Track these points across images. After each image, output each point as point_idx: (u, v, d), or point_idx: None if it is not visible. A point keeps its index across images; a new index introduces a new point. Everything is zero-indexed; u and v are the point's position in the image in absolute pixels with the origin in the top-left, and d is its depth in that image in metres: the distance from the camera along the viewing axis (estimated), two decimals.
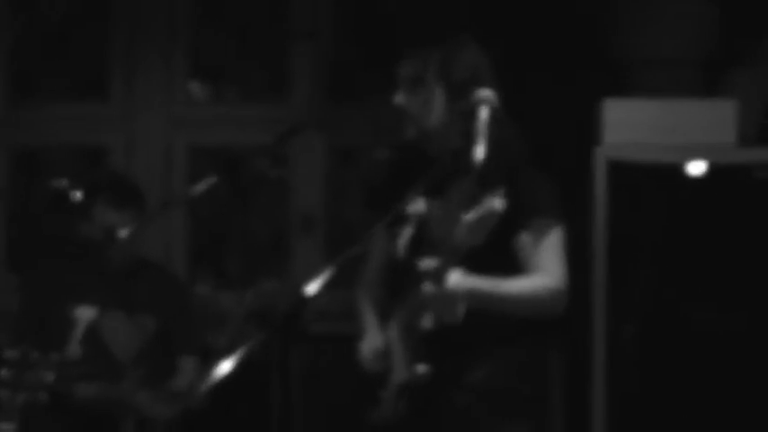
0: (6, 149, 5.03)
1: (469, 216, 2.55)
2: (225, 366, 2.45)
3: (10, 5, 5.03)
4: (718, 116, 4.17)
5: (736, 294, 4.09)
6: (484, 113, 2.67)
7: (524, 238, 2.77)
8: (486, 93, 2.70)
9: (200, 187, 3.99)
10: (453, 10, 4.54)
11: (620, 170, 4.04)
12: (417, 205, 2.85)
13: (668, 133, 4.16)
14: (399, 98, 2.88)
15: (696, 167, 4.19)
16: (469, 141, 2.66)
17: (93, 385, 3.76)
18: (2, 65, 5.00)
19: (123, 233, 3.95)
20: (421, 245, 2.81)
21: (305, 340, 4.05)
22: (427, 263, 2.62)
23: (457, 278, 2.65)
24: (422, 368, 2.75)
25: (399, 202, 2.82)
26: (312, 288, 2.42)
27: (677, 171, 4.19)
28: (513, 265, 2.76)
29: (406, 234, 2.88)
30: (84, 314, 4.04)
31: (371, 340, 2.91)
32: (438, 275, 2.61)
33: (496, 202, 2.54)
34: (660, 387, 4.11)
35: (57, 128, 5.05)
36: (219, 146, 5.15)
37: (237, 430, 4.39)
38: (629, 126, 4.16)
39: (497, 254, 2.71)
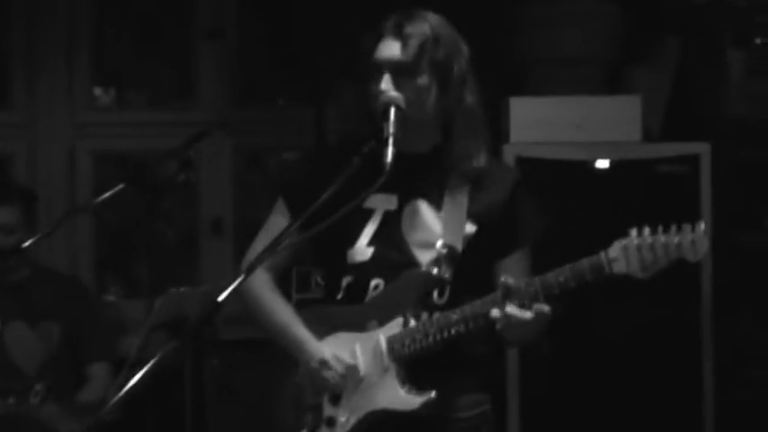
0: None
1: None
2: (136, 375, 2.31)
3: None
4: (622, 113, 4.16)
5: (640, 290, 4.08)
6: (392, 115, 2.53)
7: (510, 264, 2.59)
8: (393, 93, 2.54)
9: (107, 194, 3.88)
10: (357, 11, 4.48)
11: (528, 167, 3.99)
12: (384, 201, 2.58)
13: (574, 130, 4.14)
14: (387, 85, 2.52)
15: (602, 163, 4.18)
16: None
17: None
18: None
19: (17, 241, 3.82)
20: (389, 244, 2.59)
21: (217, 346, 3.94)
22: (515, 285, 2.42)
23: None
24: (428, 399, 2.50)
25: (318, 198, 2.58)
26: (224, 294, 2.27)
27: (585, 167, 4.17)
28: (487, 284, 2.55)
29: (369, 230, 2.61)
30: None
31: (330, 349, 2.59)
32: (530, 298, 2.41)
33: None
34: (569, 388, 4.10)
35: None
36: (125, 151, 5.01)
37: None
38: (534, 123, 4.13)
39: (480, 271, 2.56)
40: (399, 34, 2.54)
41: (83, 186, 4.82)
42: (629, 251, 2.35)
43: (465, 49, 2.62)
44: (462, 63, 2.60)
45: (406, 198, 2.60)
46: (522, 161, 4.03)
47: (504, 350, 3.94)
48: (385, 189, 2.46)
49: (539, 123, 4.12)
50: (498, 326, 2.43)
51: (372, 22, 2.67)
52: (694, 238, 2.31)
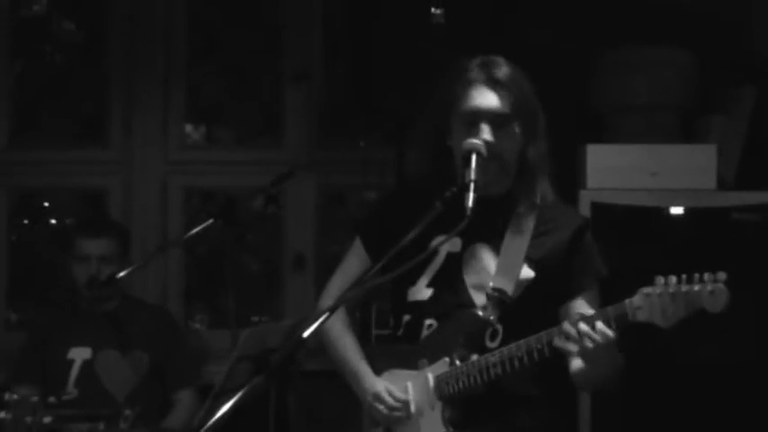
0: (7, 190, 4.94)
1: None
2: (223, 405, 2.35)
3: (11, 48, 4.96)
4: (697, 160, 4.13)
5: (716, 328, 4.04)
6: (474, 162, 2.54)
7: (574, 310, 2.55)
8: (477, 141, 2.56)
9: (198, 228, 3.96)
10: (441, 54, 4.51)
11: (603, 212, 3.98)
12: (449, 243, 2.58)
13: (649, 177, 4.12)
14: (486, 135, 2.54)
15: (676, 210, 4.15)
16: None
17: (90, 426, 3.67)
18: (3, 107, 4.93)
19: (112, 272, 3.90)
20: (448, 286, 2.62)
21: (299, 377, 3.97)
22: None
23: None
24: None
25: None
26: (309, 331, 2.31)
27: (659, 213, 4.14)
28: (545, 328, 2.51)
29: (431, 272, 2.64)
30: (80, 354, 3.98)
31: (384, 383, 2.64)
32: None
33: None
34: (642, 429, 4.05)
35: (57, 171, 4.96)
36: (214, 187, 5.09)
37: None
38: (611, 170, 4.12)
39: (537, 315, 2.52)
40: (493, 84, 2.57)
41: (174, 220, 4.89)
42: (652, 299, 2.32)
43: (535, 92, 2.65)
44: (537, 108, 2.62)
45: (470, 241, 2.61)
46: (597, 207, 4.01)
47: (572, 393, 3.91)
48: (455, 232, 2.45)
49: (615, 170, 4.10)
50: (567, 348, 2.41)
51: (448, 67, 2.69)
52: (714, 289, 2.26)
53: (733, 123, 4.38)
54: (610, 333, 2.36)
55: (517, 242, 2.60)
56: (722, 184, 4.16)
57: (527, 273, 2.58)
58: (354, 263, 2.77)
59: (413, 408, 2.60)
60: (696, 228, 4.13)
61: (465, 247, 2.63)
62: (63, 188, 5.19)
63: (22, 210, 5.15)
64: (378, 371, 2.69)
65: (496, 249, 2.61)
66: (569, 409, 3.97)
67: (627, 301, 2.36)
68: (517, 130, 2.57)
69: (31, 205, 5.29)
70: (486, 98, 2.56)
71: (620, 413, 4.05)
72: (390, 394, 2.61)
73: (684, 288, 2.29)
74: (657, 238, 4.12)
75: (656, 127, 4.33)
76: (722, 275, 2.27)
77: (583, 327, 2.37)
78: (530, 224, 2.61)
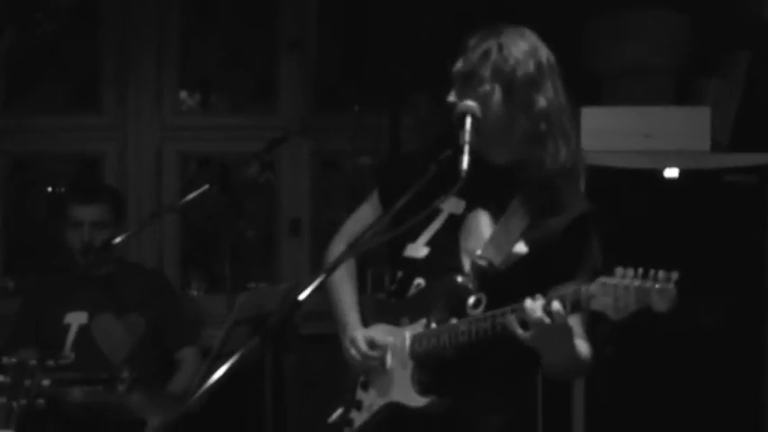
0: (1, 157, 4.92)
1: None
2: (220, 369, 2.34)
3: (2, 17, 4.93)
4: (692, 123, 4.11)
5: (709, 294, 4.03)
6: (468, 124, 2.52)
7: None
8: (469, 103, 2.52)
9: (193, 195, 3.94)
10: (435, 22, 4.49)
11: (597, 175, 3.97)
12: (453, 205, 2.56)
13: (643, 139, 4.11)
14: (452, 97, 2.53)
15: (670, 172, 4.14)
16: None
17: (87, 389, 3.67)
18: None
19: (106, 237, 3.88)
20: (444, 247, 2.59)
21: (297, 342, 3.97)
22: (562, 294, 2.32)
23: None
24: (436, 402, 2.50)
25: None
26: (305, 293, 2.29)
27: (653, 176, 4.13)
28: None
29: (430, 230, 2.61)
30: (76, 319, 3.97)
31: (366, 332, 2.62)
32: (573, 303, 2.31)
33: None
34: (635, 394, 4.05)
35: (51, 137, 4.94)
36: (209, 153, 5.07)
37: None
38: (605, 133, 4.10)
39: (523, 292, 2.40)
40: (469, 48, 2.54)
41: (169, 186, 4.87)
42: (607, 289, 2.24)
43: (541, 54, 2.58)
44: (530, 68, 2.54)
45: (473, 205, 2.58)
46: (591, 169, 3.99)
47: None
48: (458, 194, 2.45)
49: (609, 132, 4.09)
50: (524, 332, 2.35)
51: (444, 33, 2.67)
52: (662, 288, 2.17)
53: (727, 86, 4.36)
54: (563, 315, 2.31)
55: (518, 215, 2.55)
56: (716, 147, 4.15)
57: (520, 248, 2.53)
58: (368, 211, 2.76)
59: (388, 362, 2.59)
60: (690, 190, 4.12)
61: (467, 211, 2.61)
62: (57, 154, 5.17)
63: (16, 177, 5.12)
64: (367, 324, 2.68)
65: (496, 219, 2.58)
66: (562, 389, 3.97)
67: (583, 287, 2.29)
68: (487, 88, 2.50)
69: (25, 172, 5.26)
70: (459, 61, 2.54)
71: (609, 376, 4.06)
72: (367, 342, 2.59)
73: (637, 282, 2.21)
74: (651, 201, 4.11)
75: (650, 90, 4.32)
76: (675, 275, 2.18)
77: (539, 307, 2.32)
78: (535, 199, 2.56)
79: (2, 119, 4.86)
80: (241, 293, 3.75)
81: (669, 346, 4.05)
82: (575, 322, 2.42)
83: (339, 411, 2.70)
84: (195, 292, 5.06)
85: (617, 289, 2.23)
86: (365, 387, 2.65)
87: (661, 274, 2.19)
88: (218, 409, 3.56)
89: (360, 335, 2.62)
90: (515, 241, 2.54)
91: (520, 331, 2.35)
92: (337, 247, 2.75)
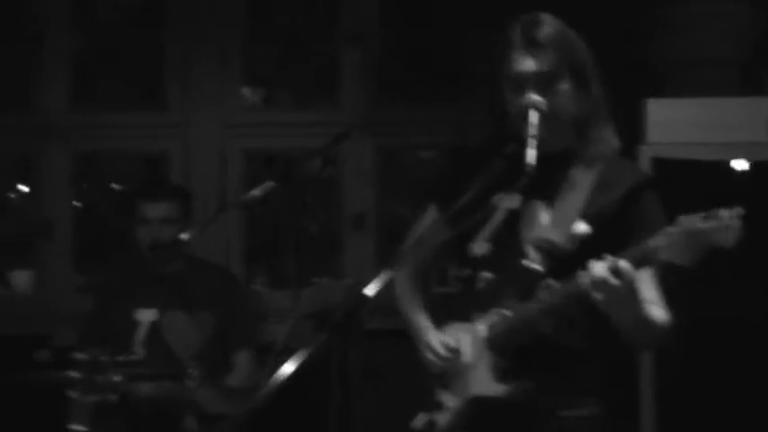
0: (69, 155, 4.98)
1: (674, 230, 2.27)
2: (288, 367, 2.35)
3: (71, 13, 4.99)
4: (758, 114, 4.05)
5: None
6: (534, 117, 2.51)
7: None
8: (536, 97, 2.51)
9: (258, 191, 3.95)
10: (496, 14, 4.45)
11: (664, 167, 3.93)
12: (509, 199, 2.56)
13: (709, 131, 4.05)
14: (529, 97, 2.50)
15: (739, 164, 4.08)
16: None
17: (157, 385, 3.71)
18: (63, 72, 4.96)
19: (175, 235, 3.92)
20: (506, 241, 2.58)
21: (362, 338, 3.97)
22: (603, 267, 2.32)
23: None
24: (517, 387, 2.51)
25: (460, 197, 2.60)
26: (372, 289, 2.30)
27: (721, 167, 4.07)
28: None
29: (490, 228, 2.60)
30: (146, 316, 4.01)
31: (439, 335, 2.64)
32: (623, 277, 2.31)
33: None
34: (706, 381, 4.00)
35: (117, 135, 4.99)
36: (272, 149, 5.09)
37: (297, 428, 4.32)
38: (672, 125, 4.05)
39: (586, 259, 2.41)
40: (531, 45, 2.52)
41: (233, 183, 4.89)
42: (672, 238, 2.26)
43: (585, 45, 2.59)
44: (589, 55, 2.57)
45: (529, 197, 2.57)
46: (658, 162, 3.96)
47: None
48: (515, 189, 2.45)
49: (676, 124, 4.04)
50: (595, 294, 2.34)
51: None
52: (728, 224, 2.22)
53: None
54: (631, 273, 2.31)
55: (574, 196, 2.56)
56: None
57: (582, 227, 2.53)
58: (429, 215, 2.78)
59: (465, 358, 2.59)
60: (759, 181, 4.05)
61: (524, 203, 2.60)
62: (123, 152, 5.22)
63: (83, 174, 5.18)
64: (438, 323, 2.70)
65: (552, 205, 2.57)
66: (628, 366, 3.94)
67: (649, 241, 2.31)
68: (566, 86, 2.52)
69: (92, 169, 5.33)
70: (525, 62, 2.52)
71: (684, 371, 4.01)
72: (441, 345, 2.62)
73: (702, 224, 2.24)
74: (719, 193, 4.05)
75: (716, 80, 4.26)
76: (738, 210, 2.24)
77: (604, 266, 2.32)
78: (587, 178, 2.56)
79: (70, 116, 4.92)
80: (306, 288, 3.76)
81: (740, 335, 4.01)
82: (647, 287, 2.42)
83: (421, 415, 2.68)
84: (259, 288, 5.08)
85: (682, 236, 2.25)
86: (445, 387, 2.65)
87: (723, 212, 2.23)
88: (283, 405, 3.58)
89: (434, 339, 2.64)
90: (574, 220, 2.54)
91: (594, 294, 2.34)
92: (401, 267, 2.75)
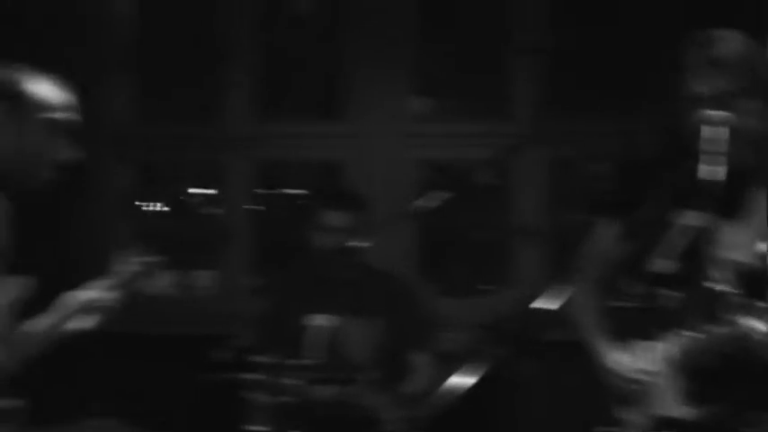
0: (251, 162, 5.15)
1: None
2: (466, 377, 2.37)
3: (257, 28, 5.15)
4: None
5: None
6: (716, 134, 2.45)
7: None
8: (723, 114, 2.47)
9: (430, 200, 4.00)
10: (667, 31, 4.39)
11: None
12: (692, 217, 2.51)
13: None
14: (716, 115, 2.46)
15: None
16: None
17: (333, 388, 3.77)
18: (247, 84, 5.13)
19: (353, 243, 3.99)
20: (690, 259, 2.52)
21: (537, 349, 3.97)
22: None
23: None
24: (706, 410, 2.48)
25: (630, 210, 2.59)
26: (548, 301, 2.30)
27: None
28: None
29: (672, 244, 2.53)
30: (321, 321, 4.08)
31: (622, 355, 2.64)
32: None
33: None
34: None
35: (296, 143, 5.14)
36: (445, 159, 5.13)
37: None
38: None
39: None
40: (713, 63, 2.49)
41: (406, 192, 4.95)
42: None
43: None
44: None
45: (712, 214, 2.52)
46: None
47: None
48: (697, 206, 2.43)
49: None
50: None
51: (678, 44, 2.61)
52: None
53: None
54: None
55: (756, 214, 2.52)
56: None
57: (764, 246, 2.49)
58: (604, 241, 2.77)
59: (651, 379, 2.57)
60: None
61: (706, 221, 2.56)
62: (301, 160, 5.36)
63: (263, 180, 5.34)
64: (616, 341, 2.68)
65: (735, 223, 2.53)
66: None
67: None
68: (748, 103, 2.48)
69: (271, 176, 5.49)
70: (707, 80, 2.48)
71: None
72: (626, 366, 2.60)
73: None
74: None
75: None
76: None
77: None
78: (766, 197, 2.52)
79: (252, 126, 5.08)
80: (475, 298, 3.77)
81: None
82: None
83: (599, 430, 2.68)
84: (431, 296, 5.12)
85: None
86: (626, 404, 2.63)
87: None
88: (456, 414, 3.60)
89: (618, 358, 2.63)
90: (759, 239, 2.50)
91: None
92: (581, 283, 2.76)
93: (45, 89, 2.64)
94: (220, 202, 5.14)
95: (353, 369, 3.91)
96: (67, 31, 5.00)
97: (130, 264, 2.99)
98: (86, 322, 2.86)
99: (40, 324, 2.78)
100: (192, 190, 5.54)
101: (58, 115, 2.64)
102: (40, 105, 2.61)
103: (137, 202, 5.37)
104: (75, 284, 3.03)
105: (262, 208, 5.35)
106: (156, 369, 4.91)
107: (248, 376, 3.53)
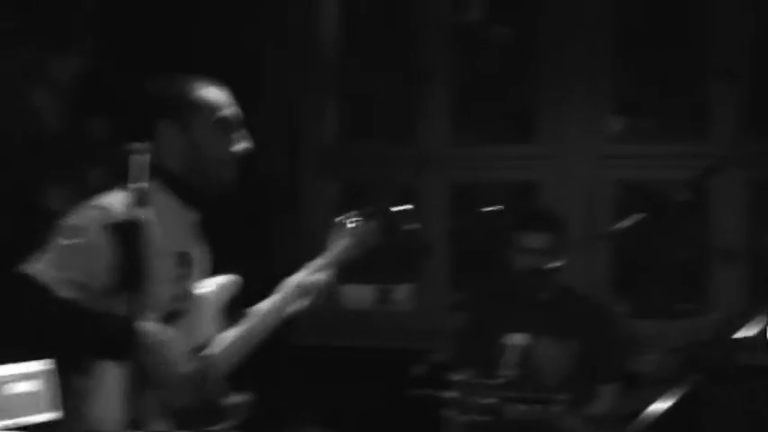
0: (447, 183, 5.25)
1: None
2: (661, 403, 2.37)
3: (451, 52, 5.25)
4: None
5: None
6: None
7: None
8: None
9: (627, 222, 3.98)
10: None
11: None
12: None
13: None
14: None
15: None
16: None
17: (526, 408, 3.78)
18: (445, 107, 5.23)
19: (551, 264, 4.01)
20: None
21: (734, 374, 3.88)
22: None
23: None
24: None
25: None
26: (747, 329, 2.27)
27: None
28: None
29: None
30: (517, 340, 4.11)
31: None
32: None
33: None
34: None
35: (490, 165, 5.21)
36: (640, 180, 5.09)
37: None
38: None
39: None
40: None
41: (602, 212, 4.93)
42: None
43: None
44: None
45: None
46: None
47: None
48: None
49: None
50: None
51: None
52: None
53: None
54: None
55: None
56: None
57: None
58: None
59: None
60: None
61: None
62: (497, 181, 5.42)
63: (460, 200, 5.43)
64: None
65: None
66: None
67: None
68: None
69: (468, 196, 5.57)
70: None
71: None
72: None
73: None
74: None
75: None
76: None
77: None
78: None
79: (449, 149, 5.19)
80: (672, 320, 3.72)
81: None
82: None
83: None
84: (625, 316, 5.08)
85: None
86: None
87: None
88: None
89: None
90: None
91: None
92: None
93: (211, 92, 2.77)
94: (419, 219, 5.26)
95: (547, 389, 3.92)
96: (275, 49, 5.22)
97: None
98: (301, 304, 2.97)
99: (261, 308, 2.91)
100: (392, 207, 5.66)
101: (225, 113, 2.77)
102: (212, 107, 2.74)
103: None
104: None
105: (460, 226, 5.44)
106: (354, 381, 5.03)
107: (444, 394, 3.58)
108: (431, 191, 5.21)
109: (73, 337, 2.51)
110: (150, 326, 2.52)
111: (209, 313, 2.86)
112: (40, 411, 4.24)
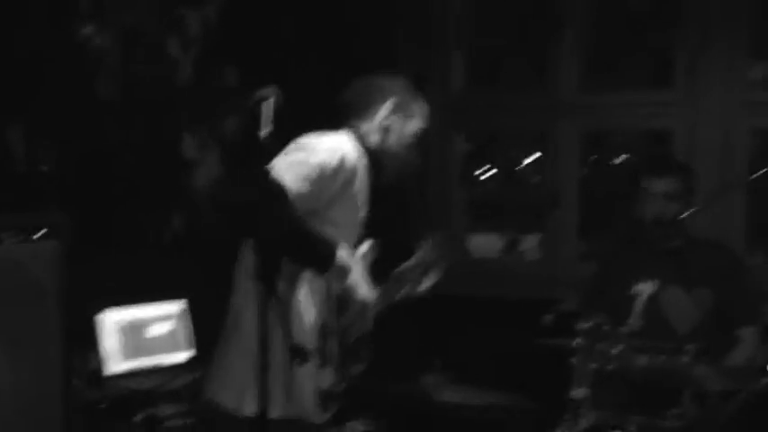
0: (578, 130, 5.13)
1: None
2: None
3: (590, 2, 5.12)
4: None
5: None
6: None
7: None
8: None
9: (762, 171, 3.82)
10: None
11: None
12: None
13: None
14: None
15: None
16: None
17: (654, 357, 3.71)
18: (577, 55, 5.11)
19: (679, 211, 3.90)
20: None
21: None
22: None
23: None
24: None
25: None
26: None
27: None
28: None
29: None
30: (645, 289, 4.02)
31: None
32: None
33: None
34: None
35: (625, 112, 5.06)
36: None
37: None
38: None
39: None
40: None
41: (737, 161, 4.77)
42: None
43: None
44: None
45: None
46: None
47: None
48: None
49: None
50: None
51: None
52: None
53: None
54: None
55: None
56: None
57: None
58: None
59: None
60: None
61: None
62: (629, 128, 5.27)
63: (592, 148, 5.32)
64: None
65: None
66: None
67: None
68: None
69: (600, 143, 5.46)
70: None
71: None
72: None
73: None
74: None
75: None
76: None
77: None
78: None
79: (580, 95, 5.06)
80: None
81: None
82: None
83: None
84: (759, 262, 4.91)
85: None
86: None
87: None
88: None
89: None
90: None
91: None
92: None
93: (425, 108, 3.29)
94: (549, 168, 5.17)
95: (676, 338, 3.83)
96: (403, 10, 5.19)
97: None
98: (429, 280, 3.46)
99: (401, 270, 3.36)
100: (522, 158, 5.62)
101: (424, 127, 3.27)
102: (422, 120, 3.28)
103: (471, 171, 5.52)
104: (411, 250, 3.35)
105: (590, 174, 5.34)
106: (483, 329, 5.02)
107: (572, 341, 3.55)
108: (563, 138, 5.11)
109: (294, 243, 2.88)
110: (344, 253, 3.00)
111: (361, 271, 3.18)
112: (178, 350, 4.37)
